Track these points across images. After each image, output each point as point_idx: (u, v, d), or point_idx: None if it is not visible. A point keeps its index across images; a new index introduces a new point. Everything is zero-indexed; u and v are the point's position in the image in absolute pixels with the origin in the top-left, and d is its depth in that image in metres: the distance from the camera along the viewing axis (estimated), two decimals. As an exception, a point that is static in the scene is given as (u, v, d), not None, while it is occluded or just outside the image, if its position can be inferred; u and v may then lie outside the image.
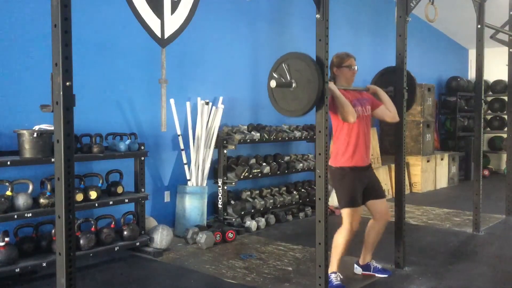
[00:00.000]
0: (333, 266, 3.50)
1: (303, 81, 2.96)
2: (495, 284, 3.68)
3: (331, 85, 3.32)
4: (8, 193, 3.54)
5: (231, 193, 5.37)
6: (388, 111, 3.70)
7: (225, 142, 5.16)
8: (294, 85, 2.99)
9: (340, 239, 3.51)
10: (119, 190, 4.24)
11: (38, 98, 3.67)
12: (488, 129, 10.26)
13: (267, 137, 5.51)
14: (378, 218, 3.67)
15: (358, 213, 3.53)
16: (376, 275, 3.76)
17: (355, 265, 3.88)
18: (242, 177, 5.21)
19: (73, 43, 2.01)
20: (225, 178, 5.19)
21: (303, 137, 6.02)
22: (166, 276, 3.82)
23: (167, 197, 5.09)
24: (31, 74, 3.99)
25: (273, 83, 2.93)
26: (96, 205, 4.00)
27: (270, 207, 5.57)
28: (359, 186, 3.54)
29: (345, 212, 3.50)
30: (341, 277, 3.57)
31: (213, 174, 5.31)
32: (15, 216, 3.51)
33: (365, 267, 3.82)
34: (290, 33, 6.52)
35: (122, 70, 4.65)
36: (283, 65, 3.04)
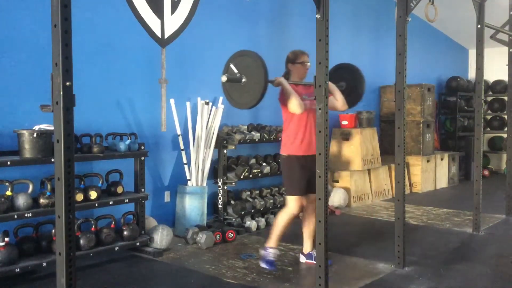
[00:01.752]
0: (272, 242, 3.92)
1: (251, 74, 3.20)
2: (495, 284, 3.69)
3: (282, 79, 3.71)
4: (8, 193, 3.54)
5: (231, 193, 5.37)
6: (336, 101, 3.94)
7: (225, 142, 5.16)
8: (244, 79, 3.23)
9: (282, 220, 3.90)
10: (119, 190, 4.24)
11: (38, 98, 3.67)
12: (488, 129, 10.26)
13: (267, 137, 5.51)
14: (309, 208, 4.00)
15: (301, 201, 3.87)
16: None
17: (300, 255, 4.19)
18: (242, 177, 5.21)
19: (73, 43, 2.01)
20: (225, 178, 5.19)
21: (303, 137, 6.02)
22: (166, 276, 3.83)
23: (167, 197, 5.09)
24: (30, 74, 3.99)
25: (224, 78, 3.19)
26: (96, 205, 4.00)
27: (270, 207, 5.57)
28: (305, 177, 3.83)
29: (291, 199, 3.87)
30: (278, 253, 3.96)
31: (213, 174, 5.31)
32: (15, 216, 3.51)
33: (308, 256, 4.12)
34: (290, 33, 6.52)
35: (122, 70, 4.65)
36: (231, 65, 3.27)
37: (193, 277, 3.81)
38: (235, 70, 3.23)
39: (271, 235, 3.97)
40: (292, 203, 3.85)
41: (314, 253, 3.97)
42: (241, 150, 5.59)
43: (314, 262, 3.91)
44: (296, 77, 3.93)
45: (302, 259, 4.17)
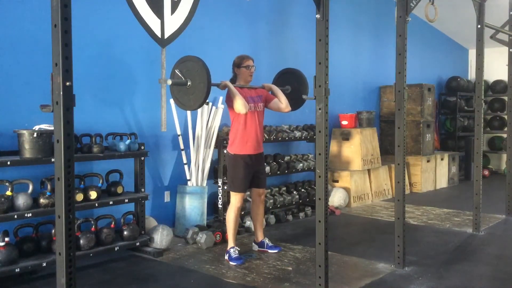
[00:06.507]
0: (230, 242, 4.21)
1: (195, 77, 3.37)
2: (495, 284, 3.68)
3: (227, 82, 4.00)
4: (8, 193, 3.54)
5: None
6: (280, 103, 4.23)
7: (225, 142, 5.16)
8: (189, 83, 3.40)
9: (231, 217, 4.20)
10: (119, 190, 4.24)
11: (38, 98, 3.68)
12: (488, 129, 10.26)
13: (267, 137, 5.51)
14: (256, 201, 4.39)
15: (243, 195, 4.23)
16: (269, 250, 4.39)
17: (253, 243, 4.51)
18: (242, 177, 5.21)
19: (73, 43, 2.01)
20: (225, 178, 5.18)
21: (303, 137, 6.02)
22: (166, 276, 3.83)
23: (167, 197, 5.09)
24: (31, 74, 3.99)
25: (169, 81, 3.34)
26: (96, 205, 4.00)
27: (270, 207, 5.57)
28: (248, 175, 4.18)
29: (233, 195, 4.19)
30: (239, 249, 4.22)
31: (213, 174, 5.31)
32: (15, 216, 3.51)
33: (260, 244, 4.45)
34: (290, 33, 6.52)
35: (122, 70, 4.65)
36: (176, 71, 3.43)
37: (193, 277, 3.81)
38: (182, 76, 3.44)
39: (227, 237, 4.28)
40: (235, 198, 4.19)
41: (266, 240, 4.45)
42: (241, 150, 5.58)
43: (266, 249, 4.40)
44: (241, 80, 4.22)
45: (255, 247, 4.48)
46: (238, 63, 4.21)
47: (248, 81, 4.25)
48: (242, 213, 5.23)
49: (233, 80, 4.24)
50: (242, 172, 4.13)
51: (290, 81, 4.42)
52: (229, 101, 4.08)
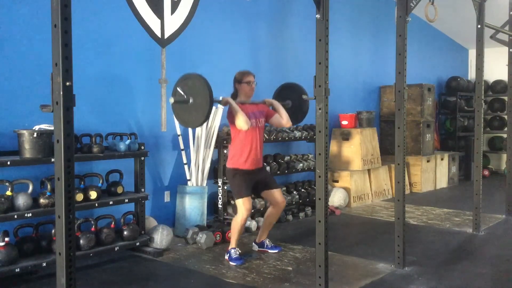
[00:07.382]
0: (232, 243, 4.23)
1: (197, 94, 3.37)
2: (495, 284, 3.69)
3: (228, 98, 3.99)
4: (8, 193, 3.54)
5: (231, 193, 5.36)
6: (281, 118, 4.20)
7: (225, 142, 5.16)
8: (191, 100, 3.41)
9: (236, 225, 4.18)
10: (119, 190, 4.24)
11: (38, 98, 3.67)
12: (488, 129, 10.26)
13: (267, 137, 5.50)
14: (274, 204, 4.30)
15: (248, 202, 4.12)
16: (269, 251, 4.41)
17: (253, 243, 4.52)
18: (242, 177, 5.21)
19: (73, 43, 2.01)
20: (225, 178, 5.18)
21: (303, 137, 6.02)
22: (166, 276, 3.83)
23: (167, 197, 5.09)
24: (31, 74, 3.99)
25: (171, 99, 3.37)
26: (96, 205, 4.00)
27: (270, 207, 5.57)
28: (249, 182, 4.14)
29: (238, 202, 4.12)
30: (240, 251, 4.24)
31: (213, 174, 5.31)
32: (15, 216, 3.51)
33: (260, 245, 4.47)
34: (290, 33, 6.52)
35: (122, 70, 4.65)
36: (177, 89, 3.43)
37: (193, 277, 3.81)
38: (183, 94, 3.43)
39: (230, 237, 4.31)
40: (241, 207, 4.09)
41: (266, 240, 4.47)
42: (241, 150, 5.58)
43: (266, 249, 4.42)
44: (242, 96, 4.18)
45: (255, 247, 4.49)
46: (239, 79, 4.19)
47: (249, 96, 4.22)
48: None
49: (234, 95, 4.21)
50: (242, 178, 4.10)
51: (291, 96, 4.36)
52: (230, 117, 4.04)
